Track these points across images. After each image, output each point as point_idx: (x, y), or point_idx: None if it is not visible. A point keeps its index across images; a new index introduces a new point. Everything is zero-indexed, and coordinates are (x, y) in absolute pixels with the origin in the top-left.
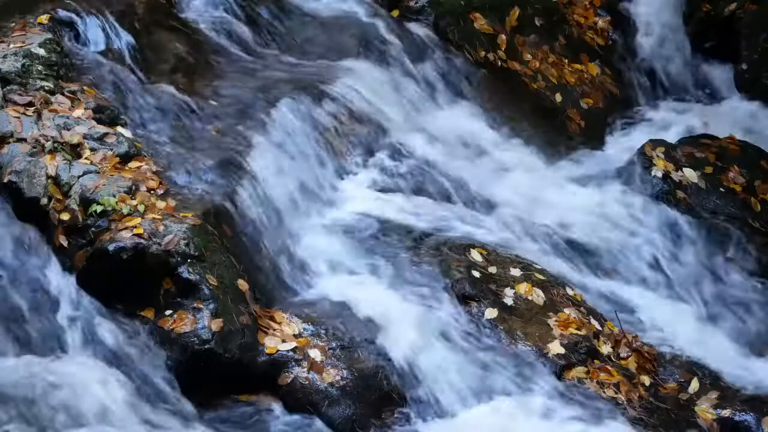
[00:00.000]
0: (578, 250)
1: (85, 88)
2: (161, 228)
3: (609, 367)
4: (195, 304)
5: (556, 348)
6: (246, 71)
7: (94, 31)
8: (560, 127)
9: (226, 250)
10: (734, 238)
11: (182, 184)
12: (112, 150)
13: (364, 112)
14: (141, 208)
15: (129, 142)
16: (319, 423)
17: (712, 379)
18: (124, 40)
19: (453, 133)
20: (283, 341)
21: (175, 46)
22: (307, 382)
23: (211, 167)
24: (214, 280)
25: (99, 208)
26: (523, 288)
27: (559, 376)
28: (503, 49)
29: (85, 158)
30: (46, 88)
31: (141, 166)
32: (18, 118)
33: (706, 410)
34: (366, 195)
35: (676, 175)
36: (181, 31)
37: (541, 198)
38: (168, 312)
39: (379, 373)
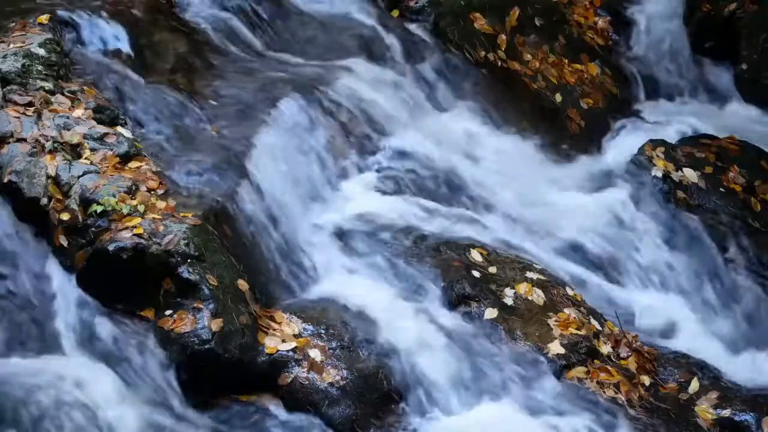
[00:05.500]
0: (578, 250)
1: (85, 88)
2: (161, 228)
3: (609, 367)
4: (195, 304)
5: (556, 348)
6: (246, 71)
7: (94, 31)
8: (560, 127)
9: (226, 250)
10: (734, 238)
11: (182, 184)
12: (112, 150)
13: (364, 112)
14: (141, 208)
15: (129, 142)
16: (319, 423)
17: (712, 379)
18: (124, 40)
19: (453, 133)
20: (283, 341)
21: (175, 46)
22: (307, 382)
23: (211, 167)
24: (214, 280)
25: (99, 208)
26: (523, 288)
27: (559, 376)
28: (503, 49)
29: (85, 158)
30: (46, 88)
31: (141, 166)
32: (18, 118)
33: (706, 410)
34: (366, 195)
35: (676, 175)
36: (181, 31)
37: (540, 198)
38: (168, 312)
39: (379, 373)
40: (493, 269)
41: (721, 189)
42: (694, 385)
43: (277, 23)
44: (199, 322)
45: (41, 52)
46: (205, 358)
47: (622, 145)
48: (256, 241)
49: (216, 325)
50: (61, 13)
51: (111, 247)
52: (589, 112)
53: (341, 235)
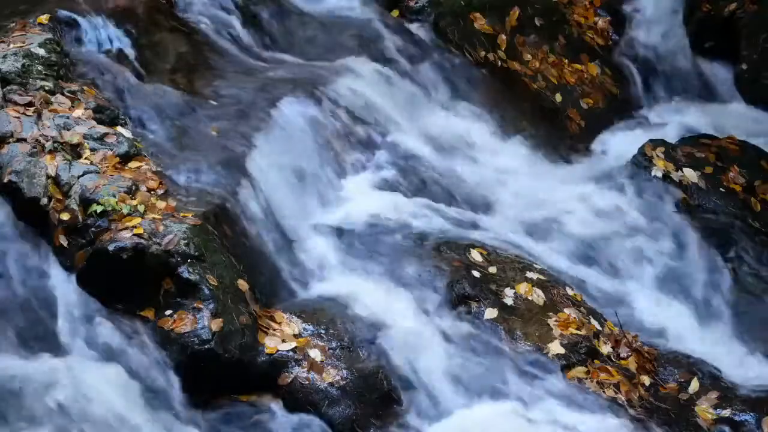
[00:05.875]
0: (578, 250)
1: (85, 88)
2: (161, 228)
3: (609, 367)
4: (195, 304)
5: (556, 348)
6: (246, 71)
7: (94, 31)
8: (560, 127)
9: (226, 250)
10: (734, 238)
11: (182, 184)
12: (112, 150)
13: (364, 112)
14: (141, 208)
15: (129, 142)
16: (319, 423)
17: (712, 379)
18: (124, 40)
19: (453, 133)
20: (283, 341)
21: (175, 46)
22: (307, 382)
23: (211, 167)
24: (214, 280)
25: (99, 208)
26: (523, 288)
27: (559, 376)
28: (503, 49)
29: (85, 158)
30: (46, 88)
31: (141, 166)
32: (18, 118)
33: (706, 410)
34: (366, 195)
35: (676, 175)
36: (181, 31)
37: (540, 198)
38: (168, 312)
39: (379, 373)
40: (493, 269)
41: (721, 189)
42: (694, 385)
43: (277, 23)
44: (199, 322)
45: (41, 52)
46: (205, 358)
47: (622, 145)
48: (256, 241)
49: (216, 325)
50: (61, 13)
51: (111, 247)
52: (589, 112)
53: (341, 235)
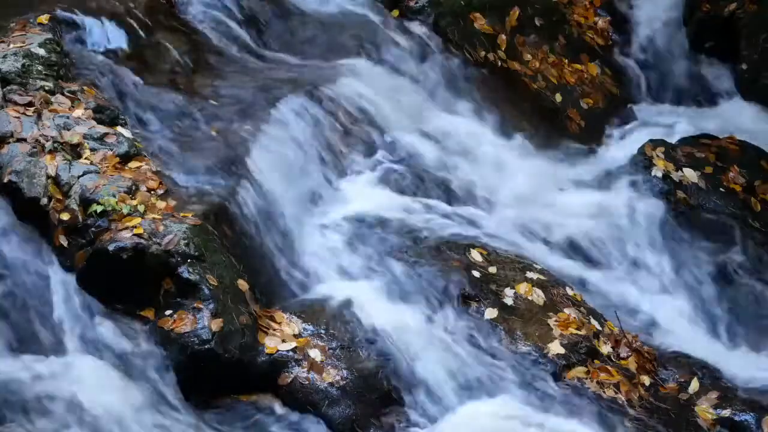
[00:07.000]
0: (578, 250)
1: (85, 88)
2: (161, 228)
3: (609, 367)
4: (195, 304)
5: (556, 348)
6: (246, 71)
7: (94, 31)
8: (560, 127)
9: (226, 250)
10: (734, 238)
11: (182, 184)
12: (112, 150)
13: (364, 112)
14: (141, 208)
15: (129, 142)
16: (319, 423)
17: (712, 379)
18: (124, 40)
19: (453, 132)
20: (283, 341)
21: (175, 46)
22: (307, 382)
23: (211, 167)
24: (214, 280)
25: (99, 208)
26: (523, 288)
27: (559, 376)
28: (503, 49)
29: (85, 158)
30: (46, 88)
31: (141, 166)
32: (18, 118)
33: (706, 410)
34: (366, 195)
35: (676, 175)
36: (181, 31)
37: (540, 198)
38: (168, 312)
39: (379, 373)
40: (493, 269)
41: (721, 189)
42: (694, 385)
43: (277, 23)
44: (199, 322)
45: (41, 52)
46: (205, 358)
47: (622, 145)
48: (256, 241)
49: (216, 325)
50: (61, 13)
51: (111, 247)
52: (589, 112)
53: (341, 235)
